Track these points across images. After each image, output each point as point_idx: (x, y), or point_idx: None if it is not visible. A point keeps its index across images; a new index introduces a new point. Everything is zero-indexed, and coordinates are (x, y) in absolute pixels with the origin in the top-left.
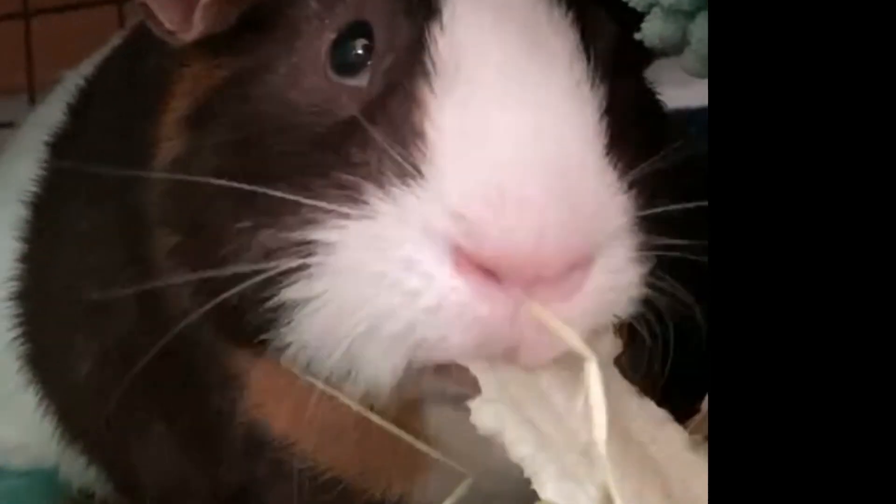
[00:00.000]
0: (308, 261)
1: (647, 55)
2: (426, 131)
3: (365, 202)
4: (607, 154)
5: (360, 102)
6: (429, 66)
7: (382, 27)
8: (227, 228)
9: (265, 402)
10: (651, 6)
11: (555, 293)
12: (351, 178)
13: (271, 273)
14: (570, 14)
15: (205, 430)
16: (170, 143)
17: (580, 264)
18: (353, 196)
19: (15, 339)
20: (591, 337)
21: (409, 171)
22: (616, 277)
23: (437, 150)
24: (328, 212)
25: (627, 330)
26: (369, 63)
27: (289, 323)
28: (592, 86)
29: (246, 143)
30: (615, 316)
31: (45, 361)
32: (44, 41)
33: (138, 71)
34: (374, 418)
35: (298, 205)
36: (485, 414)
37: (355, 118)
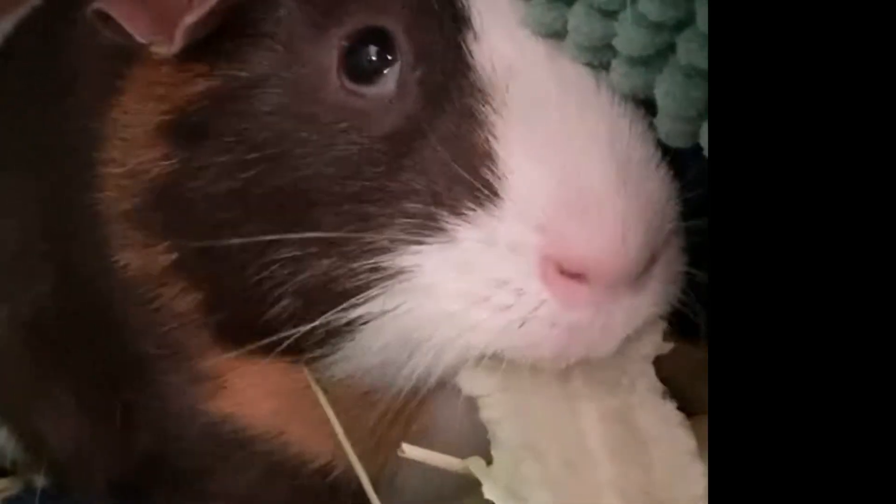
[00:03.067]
0: (381, 284)
1: None
2: (494, 150)
3: (440, 229)
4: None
5: (395, 115)
6: (476, 80)
7: (404, 34)
8: (260, 255)
9: (247, 402)
10: None
11: (633, 288)
12: (419, 206)
13: (346, 310)
14: None
15: (121, 401)
16: (140, 151)
17: (654, 259)
18: (425, 224)
19: None
20: (634, 337)
21: (483, 193)
22: (674, 268)
23: (509, 168)
24: (398, 239)
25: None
26: (387, 71)
27: (352, 338)
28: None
29: (262, 162)
30: (670, 305)
31: None
32: None
33: (61, 40)
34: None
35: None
36: (474, 381)
37: (397, 134)
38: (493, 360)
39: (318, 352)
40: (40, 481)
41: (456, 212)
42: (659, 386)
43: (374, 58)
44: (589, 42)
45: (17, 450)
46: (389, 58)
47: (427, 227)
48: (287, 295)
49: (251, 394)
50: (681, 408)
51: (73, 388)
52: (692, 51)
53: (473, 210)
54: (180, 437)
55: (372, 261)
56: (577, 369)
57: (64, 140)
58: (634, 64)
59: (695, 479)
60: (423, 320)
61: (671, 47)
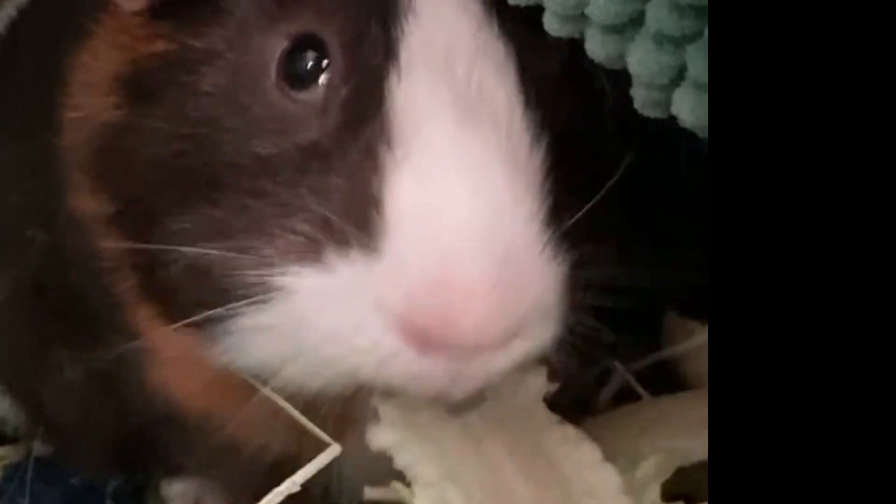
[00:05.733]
0: (262, 297)
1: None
2: (385, 200)
3: (321, 258)
4: (547, 213)
5: (316, 129)
6: (388, 123)
7: (338, 49)
8: (171, 221)
9: (174, 378)
10: None
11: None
12: (308, 228)
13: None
14: (511, 50)
15: (109, 371)
16: (97, 97)
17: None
18: (310, 248)
19: None
20: (519, 378)
21: (365, 240)
22: (542, 332)
23: (393, 225)
24: (284, 256)
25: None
26: (321, 79)
27: (233, 338)
28: (535, 135)
29: (193, 139)
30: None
31: None
32: None
33: (62, 3)
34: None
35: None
36: (379, 436)
37: (312, 147)
38: (392, 412)
39: (209, 337)
40: (38, 448)
41: (338, 246)
42: (554, 416)
43: (310, 64)
44: (563, 11)
45: (18, 417)
46: (324, 66)
47: (310, 252)
48: (183, 271)
49: (181, 366)
50: None
51: (70, 352)
52: (661, 18)
53: (353, 250)
54: (139, 406)
55: (256, 271)
56: (472, 414)
57: (48, 88)
58: (608, 32)
59: (610, 478)
60: (295, 341)
61: (641, 15)
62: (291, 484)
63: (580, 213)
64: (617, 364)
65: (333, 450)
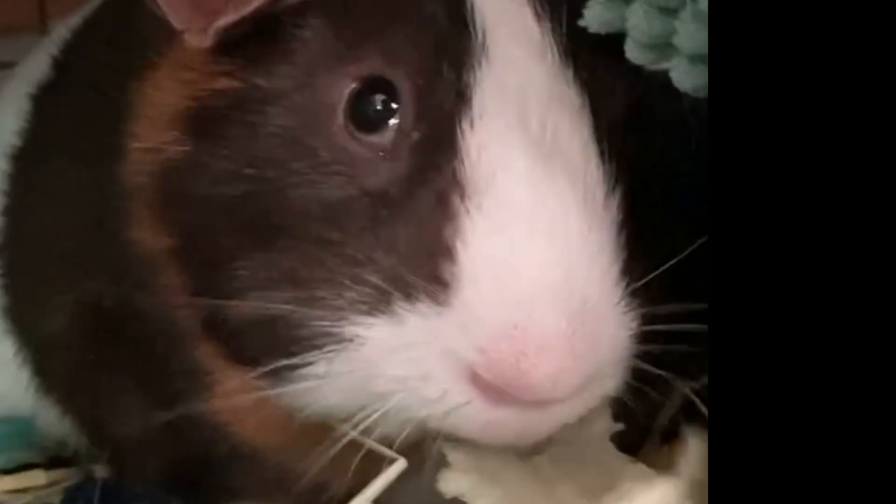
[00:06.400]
0: (332, 348)
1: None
2: (457, 252)
3: (391, 308)
4: (623, 270)
5: (385, 174)
6: (461, 170)
7: (408, 93)
8: (236, 267)
9: (236, 413)
10: None
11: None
12: (378, 279)
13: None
14: (585, 97)
15: (169, 396)
16: (160, 131)
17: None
18: (379, 299)
19: None
20: (584, 418)
21: (435, 292)
22: (613, 379)
23: (466, 276)
24: (353, 306)
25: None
26: (391, 123)
27: (301, 384)
28: (609, 185)
29: (257, 181)
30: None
31: (22, 313)
32: None
33: (124, 29)
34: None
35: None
36: (451, 483)
37: (381, 193)
38: (462, 458)
39: (276, 382)
40: (101, 471)
41: (407, 297)
42: (625, 456)
43: (379, 107)
44: (648, 40)
45: (79, 440)
46: (395, 107)
47: (380, 302)
48: (250, 320)
49: (238, 401)
50: None
51: (133, 376)
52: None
53: (423, 301)
54: (199, 434)
55: (326, 322)
56: (541, 457)
57: (111, 115)
58: (696, 62)
59: None
60: (364, 390)
61: None
62: (364, 500)
63: (659, 271)
64: (678, 383)
65: (400, 464)
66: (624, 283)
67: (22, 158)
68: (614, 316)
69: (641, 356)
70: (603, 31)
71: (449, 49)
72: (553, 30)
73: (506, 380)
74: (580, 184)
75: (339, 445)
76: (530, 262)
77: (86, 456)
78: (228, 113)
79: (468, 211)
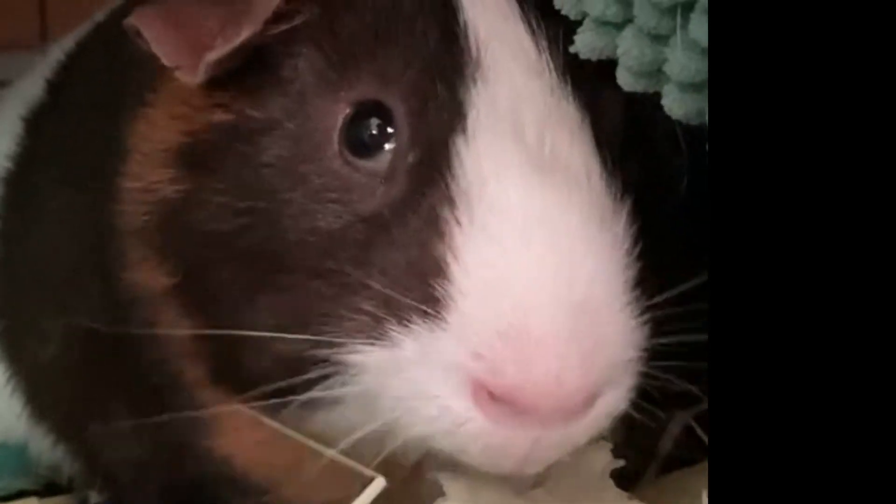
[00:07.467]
0: (333, 377)
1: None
2: (449, 266)
3: (386, 335)
4: (628, 280)
5: (381, 198)
6: (453, 187)
7: (403, 115)
8: (236, 305)
9: (235, 445)
10: (583, 16)
11: (566, 420)
12: (373, 307)
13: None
14: (585, 113)
15: (165, 428)
16: (155, 169)
17: (596, 397)
18: (374, 327)
19: None
20: (582, 454)
21: (429, 312)
22: (618, 397)
23: (458, 290)
24: (351, 337)
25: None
26: (386, 146)
27: (302, 410)
28: (615, 198)
29: (253, 213)
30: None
31: (14, 339)
32: None
33: (116, 58)
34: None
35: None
36: None
37: (376, 218)
38: (458, 487)
39: (277, 409)
40: (95, 498)
41: (402, 322)
42: (623, 493)
43: (374, 131)
44: (639, 67)
45: (73, 467)
46: (391, 131)
47: (375, 330)
48: (251, 354)
49: (244, 438)
50: None
51: (127, 403)
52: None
53: (416, 324)
54: (196, 464)
55: (325, 351)
56: (538, 492)
57: (104, 150)
58: (685, 90)
59: None
60: (369, 415)
61: None
62: None
63: (669, 294)
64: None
65: (378, 483)
66: (630, 291)
67: (14, 182)
68: (619, 317)
69: (646, 376)
70: (594, 57)
71: (443, 68)
72: (549, 45)
73: (506, 382)
74: (583, 196)
75: (320, 465)
76: (524, 267)
77: (80, 483)
78: (224, 146)
79: (459, 224)
